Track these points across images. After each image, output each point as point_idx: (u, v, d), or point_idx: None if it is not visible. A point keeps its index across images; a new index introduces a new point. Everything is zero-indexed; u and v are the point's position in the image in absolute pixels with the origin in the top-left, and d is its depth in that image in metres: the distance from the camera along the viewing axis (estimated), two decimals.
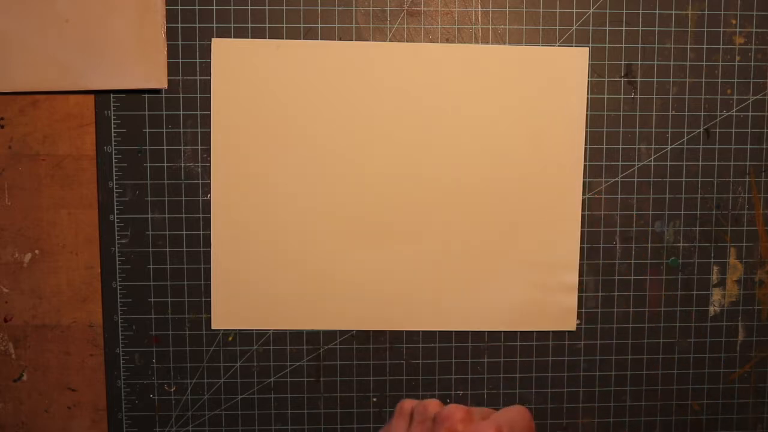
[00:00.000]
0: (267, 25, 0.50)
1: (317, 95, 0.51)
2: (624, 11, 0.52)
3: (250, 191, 0.51)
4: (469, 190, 0.52)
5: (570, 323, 0.53)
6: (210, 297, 0.52)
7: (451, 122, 0.51)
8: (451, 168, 0.52)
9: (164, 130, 0.51)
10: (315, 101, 0.51)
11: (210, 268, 0.52)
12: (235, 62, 0.50)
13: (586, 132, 0.52)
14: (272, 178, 0.51)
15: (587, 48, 0.51)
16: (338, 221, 0.52)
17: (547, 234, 0.52)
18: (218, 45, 0.50)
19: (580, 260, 0.53)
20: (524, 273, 0.52)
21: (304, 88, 0.51)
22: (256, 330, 0.52)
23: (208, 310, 0.52)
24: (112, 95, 0.51)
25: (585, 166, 0.52)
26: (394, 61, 0.51)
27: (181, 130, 0.51)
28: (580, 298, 0.54)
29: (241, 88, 0.51)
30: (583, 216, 0.53)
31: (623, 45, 0.52)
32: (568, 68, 0.51)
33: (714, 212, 0.54)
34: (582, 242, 0.53)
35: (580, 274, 0.53)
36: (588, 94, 0.52)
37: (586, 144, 0.52)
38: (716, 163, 0.53)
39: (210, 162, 0.51)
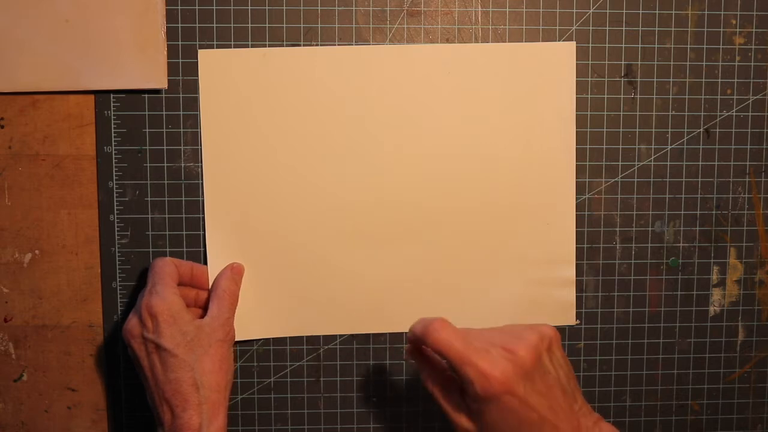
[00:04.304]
0: (267, 25, 0.50)
1: (307, 101, 0.50)
2: (624, 11, 0.52)
3: (244, 200, 0.51)
4: (466, 189, 0.52)
5: (569, 318, 0.53)
6: None
7: (442, 123, 0.51)
8: (446, 167, 0.52)
9: (164, 130, 0.51)
10: (305, 107, 0.51)
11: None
12: (222, 73, 0.50)
13: (586, 131, 0.52)
14: (266, 185, 0.51)
15: (573, 43, 0.51)
16: (335, 225, 0.52)
17: (543, 230, 0.52)
18: (205, 56, 0.50)
19: (580, 260, 0.53)
20: (522, 270, 0.52)
21: (293, 94, 0.50)
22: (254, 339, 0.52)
23: None
24: (112, 95, 0.51)
25: (585, 166, 0.52)
26: (383, 63, 0.51)
27: (181, 130, 0.51)
28: (580, 298, 0.54)
29: (230, 99, 0.50)
30: (583, 216, 0.53)
31: (623, 45, 0.52)
32: (556, 63, 0.51)
33: (714, 212, 0.54)
34: (582, 242, 0.53)
35: (581, 274, 0.53)
36: (588, 91, 0.52)
37: (586, 144, 0.52)
38: (716, 163, 0.53)
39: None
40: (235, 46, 0.50)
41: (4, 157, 0.51)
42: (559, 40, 0.51)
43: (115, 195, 0.51)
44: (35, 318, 0.52)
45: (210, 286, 0.50)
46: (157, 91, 0.51)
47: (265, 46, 0.50)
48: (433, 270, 0.52)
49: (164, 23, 0.50)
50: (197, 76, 0.50)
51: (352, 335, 0.53)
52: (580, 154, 0.52)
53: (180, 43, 0.50)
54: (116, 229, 0.52)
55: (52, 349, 0.53)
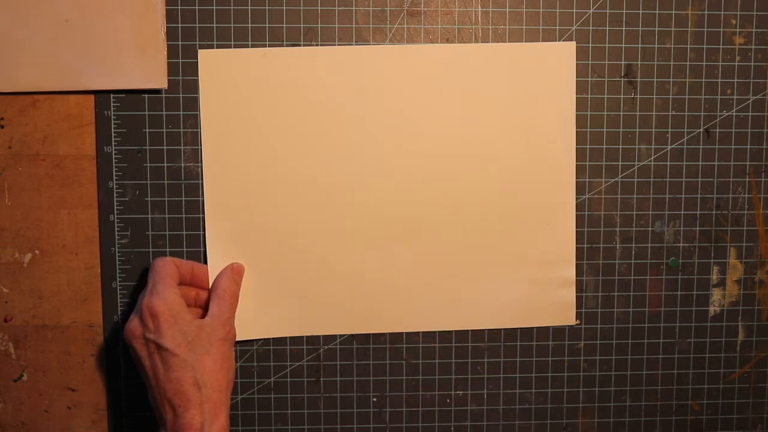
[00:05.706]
0: (267, 26, 0.50)
1: (307, 101, 0.50)
2: (624, 11, 0.52)
3: (244, 200, 0.51)
4: (466, 189, 0.52)
5: (569, 318, 0.53)
6: None
7: (442, 123, 0.51)
8: (446, 167, 0.52)
9: (164, 130, 0.51)
10: (305, 107, 0.51)
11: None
12: (222, 73, 0.50)
13: (586, 131, 0.52)
14: (266, 185, 0.51)
15: (573, 43, 0.51)
16: (335, 225, 0.52)
17: (543, 230, 0.52)
18: (205, 56, 0.50)
19: (580, 260, 0.53)
20: (522, 270, 0.52)
21: (293, 94, 0.50)
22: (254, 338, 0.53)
23: None
24: (112, 95, 0.51)
25: (585, 166, 0.52)
26: (383, 63, 0.51)
27: (181, 130, 0.51)
28: (580, 298, 0.54)
29: (230, 99, 0.50)
30: (582, 216, 0.53)
31: (623, 45, 0.52)
32: (556, 63, 0.51)
33: (714, 212, 0.54)
34: (582, 242, 0.53)
35: (581, 274, 0.53)
36: (588, 91, 0.52)
37: (586, 144, 0.52)
38: (716, 163, 0.53)
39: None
40: (235, 46, 0.50)
41: (4, 157, 0.51)
42: (559, 40, 0.52)
43: (115, 195, 0.51)
44: (35, 318, 0.52)
45: (210, 286, 0.50)
46: (157, 91, 0.51)
47: (265, 46, 0.50)
48: (433, 270, 0.52)
49: (164, 23, 0.50)
50: (197, 76, 0.50)
51: (352, 335, 0.53)
52: (580, 154, 0.52)
53: (180, 43, 0.50)
54: (116, 229, 0.52)
55: (52, 349, 0.53)
